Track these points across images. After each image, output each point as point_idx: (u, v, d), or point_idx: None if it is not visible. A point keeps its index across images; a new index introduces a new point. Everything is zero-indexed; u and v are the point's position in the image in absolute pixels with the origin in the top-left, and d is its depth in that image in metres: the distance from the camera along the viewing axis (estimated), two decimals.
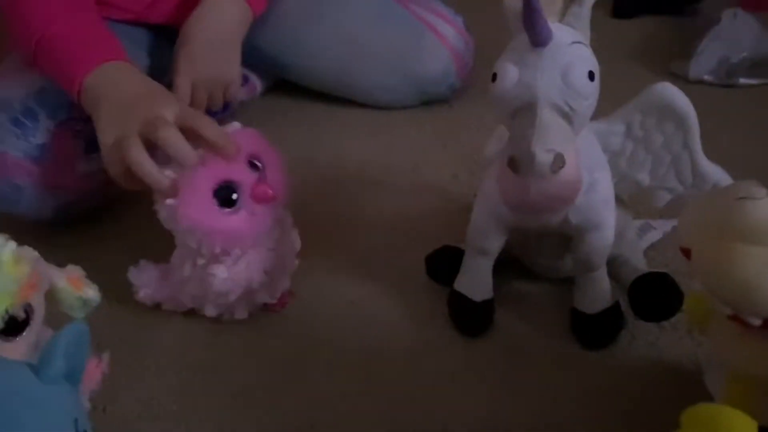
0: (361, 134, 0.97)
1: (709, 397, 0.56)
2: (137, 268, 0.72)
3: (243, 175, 0.63)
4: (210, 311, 0.69)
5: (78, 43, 0.74)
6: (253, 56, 0.97)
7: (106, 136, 0.67)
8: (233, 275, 0.65)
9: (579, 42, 0.55)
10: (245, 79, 1.02)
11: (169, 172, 0.63)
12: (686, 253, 0.49)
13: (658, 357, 0.65)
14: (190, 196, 0.62)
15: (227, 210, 0.63)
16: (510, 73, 0.54)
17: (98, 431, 0.61)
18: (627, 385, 0.63)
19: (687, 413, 0.42)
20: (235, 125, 0.68)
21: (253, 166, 0.65)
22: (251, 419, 0.62)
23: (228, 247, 0.64)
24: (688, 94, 0.62)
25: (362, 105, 1.01)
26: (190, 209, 0.62)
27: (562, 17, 0.56)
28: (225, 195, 0.63)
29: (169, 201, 0.63)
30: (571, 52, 0.54)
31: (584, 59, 0.54)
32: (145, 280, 0.71)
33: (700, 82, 1.02)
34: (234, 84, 0.91)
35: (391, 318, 0.71)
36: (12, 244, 0.51)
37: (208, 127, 0.63)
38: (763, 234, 0.44)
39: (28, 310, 0.52)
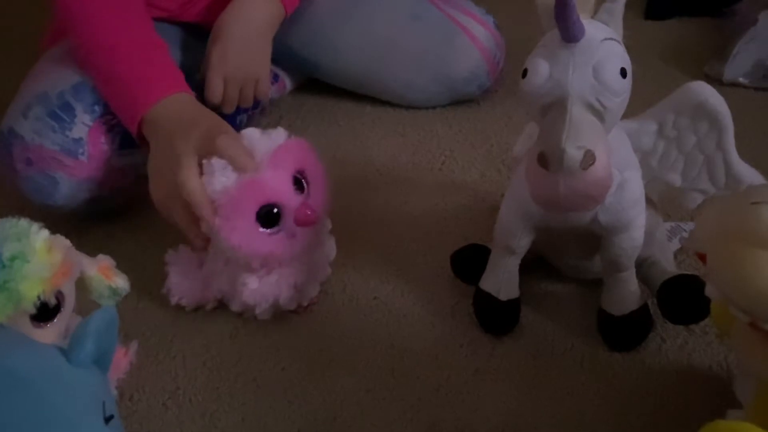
0: (390, 133, 0.97)
1: (737, 405, 0.55)
2: (175, 252, 0.72)
3: (288, 198, 0.63)
4: (235, 306, 0.70)
5: (136, 79, 0.75)
6: (283, 54, 0.97)
7: (155, 161, 0.71)
8: (263, 287, 0.65)
9: (612, 39, 0.54)
10: (275, 77, 1.03)
11: (223, 182, 0.63)
12: (702, 258, 0.48)
13: (686, 361, 0.64)
14: (233, 218, 0.62)
15: (268, 231, 0.63)
16: (541, 68, 0.53)
17: (124, 419, 0.62)
18: (654, 388, 0.62)
19: (705, 429, 0.41)
20: (281, 133, 0.67)
21: (297, 182, 0.65)
22: (275, 411, 0.62)
23: (268, 265, 0.65)
24: (722, 96, 0.61)
25: (391, 103, 1.01)
26: (232, 233, 0.62)
27: (594, 13, 0.56)
28: (268, 216, 0.63)
29: (210, 223, 0.63)
30: (603, 49, 0.53)
31: (617, 56, 0.54)
32: (176, 270, 0.71)
33: (735, 84, 1.00)
34: (264, 81, 0.91)
35: (416, 315, 0.71)
36: (45, 232, 0.53)
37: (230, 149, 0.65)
38: None
39: (60, 297, 0.53)
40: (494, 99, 1.01)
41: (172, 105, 0.74)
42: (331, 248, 0.72)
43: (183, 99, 0.75)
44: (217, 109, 0.91)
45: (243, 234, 0.62)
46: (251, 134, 0.66)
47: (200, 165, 0.66)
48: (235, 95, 0.90)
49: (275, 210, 0.63)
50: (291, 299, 0.68)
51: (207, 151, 0.66)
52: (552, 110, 0.53)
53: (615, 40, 0.55)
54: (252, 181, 0.63)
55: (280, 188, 0.63)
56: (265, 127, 0.99)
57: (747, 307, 0.44)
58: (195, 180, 0.65)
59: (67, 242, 0.55)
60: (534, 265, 0.71)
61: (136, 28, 0.78)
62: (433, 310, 0.71)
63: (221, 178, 0.63)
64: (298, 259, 0.66)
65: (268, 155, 0.64)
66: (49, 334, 0.52)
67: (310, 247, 0.67)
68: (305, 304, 0.70)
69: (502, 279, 0.66)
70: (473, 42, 0.98)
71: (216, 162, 0.64)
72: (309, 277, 0.69)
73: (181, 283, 0.71)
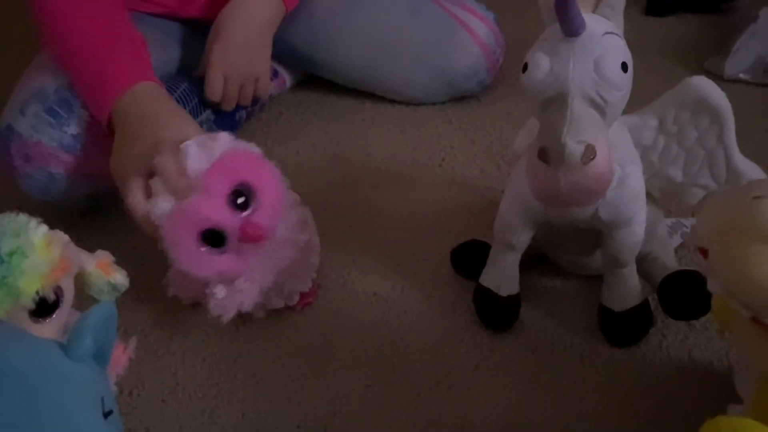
0: (390, 129, 0.97)
1: (738, 400, 0.55)
2: None
3: (225, 219, 0.60)
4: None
5: (100, 72, 0.73)
6: (283, 51, 0.97)
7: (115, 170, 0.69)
8: (231, 296, 0.63)
9: (613, 33, 0.54)
10: (275, 73, 1.02)
11: (163, 208, 0.61)
12: (704, 253, 0.47)
13: (687, 356, 0.64)
14: (176, 243, 0.61)
15: (216, 250, 0.61)
16: (542, 63, 0.53)
17: (124, 415, 0.62)
18: (655, 384, 0.62)
19: (707, 425, 0.41)
20: (223, 141, 0.63)
21: (239, 195, 0.61)
22: (274, 407, 0.62)
23: (222, 281, 0.63)
24: (723, 92, 0.60)
25: (391, 100, 1.01)
26: (178, 257, 0.61)
27: (595, 7, 0.55)
28: (212, 238, 0.60)
29: (161, 245, 0.61)
30: (604, 43, 0.53)
31: (618, 50, 0.54)
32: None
33: (736, 80, 1.00)
34: (264, 79, 0.91)
35: (416, 311, 0.70)
36: (44, 228, 0.52)
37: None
38: None
39: (58, 292, 0.53)
40: (494, 95, 1.01)
41: (135, 99, 0.71)
42: (314, 242, 0.69)
43: (145, 91, 0.72)
44: (216, 106, 0.91)
45: (189, 258, 0.61)
46: (188, 149, 0.62)
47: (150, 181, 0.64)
48: (234, 93, 0.90)
49: (218, 231, 0.60)
50: (277, 296, 0.67)
51: (150, 169, 0.63)
52: (553, 105, 0.53)
53: (616, 34, 0.54)
54: (184, 208, 0.60)
55: (214, 212, 0.60)
56: (264, 123, 1.00)
57: (749, 302, 0.44)
58: (140, 206, 0.63)
59: (66, 238, 0.55)
60: (534, 261, 0.71)
61: (109, 23, 0.77)
62: (433, 306, 0.71)
63: (162, 204, 0.61)
64: (262, 264, 0.64)
65: (203, 174, 0.61)
66: (48, 329, 0.52)
67: (275, 252, 0.64)
68: (296, 299, 0.69)
69: (502, 275, 0.66)
70: (473, 38, 0.97)
71: (159, 184, 0.62)
72: (286, 279, 0.67)
73: (181, 278, 0.70)
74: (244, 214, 0.60)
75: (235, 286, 0.63)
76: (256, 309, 0.68)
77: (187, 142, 0.62)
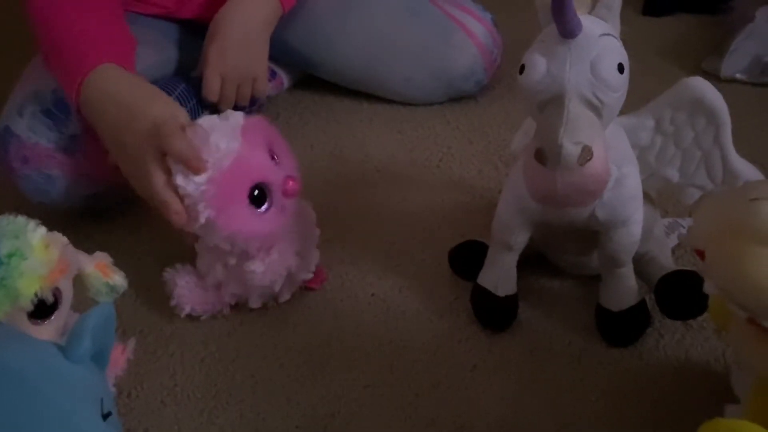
0: (387, 129, 0.97)
1: (735, 400, 0.55)
2: (174, 271, 0.71)
3: (272, 173, 0.63)
4: (254, 303, 0.70)
5: (72, 48, 0.73)
6: (280, 51, 0.97)
7: (118, 160, 0.69)
8: (270, 266, 0.65)
9: (609, 34, 0.54)
10: (272, 74, 1.02)
11: (201, 178, 0.62)
12: (700, 255, 0.48)
13: (684, 356, 0.64)
14: (227, 206, 0.62)
15: (260, 210, 0.63)
16: (538, 64, 0.53)
17: (122, 416, 0.63)
18: (652, 383, 0.62)
19: (705, 427, 0.41)
20: (237, 114, 0.65)
21: (272, 157, 0.65)
22: (272, 408, 0.62)
23: (265, 246, 0.65)
24: (720, 92, 0.61)
25: (388, 100, 1.01)
26: (229, 221, 0.62)
27: (592, 9, 0.56)
28: (259, 196, 0.63)
29: (204, 215, 0.62)
30: (600, 44, 0.53)
31: (614, 51, 0.54)
32: (182, 284, 0.70)
33: (733, 80, 1.00)
34: (262, 80, 0.91)
35: (414, 311, 0.71)
36: (42, 229, 0.52)
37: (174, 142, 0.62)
38: None
39: (57, 294, 0.53)
40: (492, 96, 1.01)
41: (104, 80, 0.70)
42: (310, 210, 0.72)
43: (112, 73, 0.71)
44: (214, 107, 0.91)
45: (240, 219, 0.62)
46: (209, 122, 0.64)
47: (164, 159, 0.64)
48: (232, 94, 0.89)
49: (264, 188, 0.63)
50: (300, 268, 0.68)
51: (159, 147, 0.64)
52: (549, 106, 0.53)
53: (612, 35, 0.55)
54: (237, 164, 0.61)
55: (263, 165, 0.63)
56: None
57: (745, 304, 0.44)
58: (165, 188, 0.63)
59: (65, 239, 0.55)
60: (532, 261, 0.71)
61: (97, 24, 0.76)
62: (431, 307, 0.71)
63: (192, 183, 0.62)
64: (291, 230, 0.67)
65: (238, 135, 0.62)
66: (47, 331, 0.52)
67: (298, 216, 0.68)
68: (313, 269, 0.70)
69: (499, 275, 0.66)
70: (470, 38, 0.98)
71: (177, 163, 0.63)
72: (306, 244, 0.69)
73: (189, 295, 0.70)
74: (281, 168, 0.64)
75: (271, 255, 0.65)
76: (282, 292, 0.69)
77: (206, 116, 0.65)
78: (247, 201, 0.62)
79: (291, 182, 0.63)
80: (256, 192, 0.63)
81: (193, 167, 0.62)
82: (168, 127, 0.64)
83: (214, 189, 0.62)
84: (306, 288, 0.72)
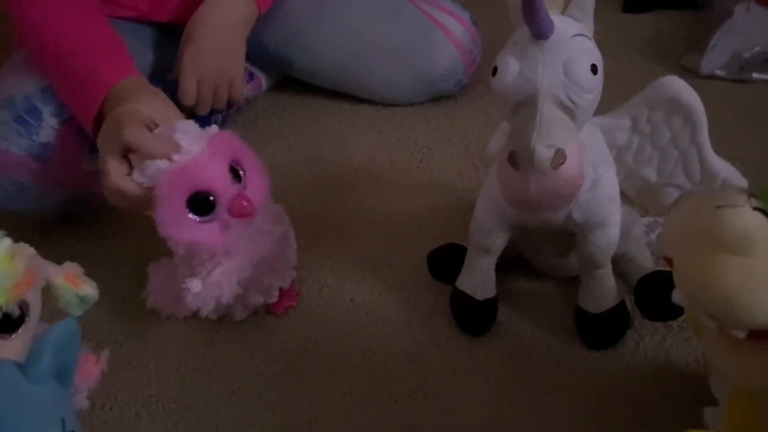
0: (367, 130, 0.96)
1: (714, 402, 0.55)
2: (158, 264, 0.71)
3: (223, 186, 0.60)
4: (210, 314, 0.68)
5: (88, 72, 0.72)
6: (258, 52, 0.96)
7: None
8: (208, 289, 0.62)
9: (582, 35, 0.54)
10: (250, 76, 1.01)
11: (159, 165, 0.60)
12: (669, 262, 0.47)
13: (664, 357, 0.64)
14: (165, 203, 0.60)
15: (198, 218, 0.60)
16: (511, 66, 0.53)
17: (96, 428, 0.61)
18: (632, 385, 0.61)
19: None
20: (213, 128, 0.64)
21: (234, 172, 0.62)
22: (249, 418, 0.62)
23: (198, 254, 0.63)
24: (699, 89, 0.60)
25: (368, 101, 1.00)
26: (164, 217, 0.60)
27: (564, 9, 0.55)
28: (200, 203, 0.60)
29: (146, 212, 0.62)
30: (573, 45, 0.52)
31: (587, 52, 0.53)
32: (158, 279, 0.70)
33: (713, 77, 1.00)
34: (239, 82, 0.90)
35: (393, 316, 0.70)
36: (7, 241, 0.51)
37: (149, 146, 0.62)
38: (744, 244, 0.41)
39: (24, 307, 0.52)
40: (472, 95, 1.00)
41: (123, 90, 0.70)
42: (290, 237, 0.69)
43: (132, 83, 0.72)
44: (191, 110, 0.90)
45: (173, 220, 0.60)
46: (183, 125, 0.63)
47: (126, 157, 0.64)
48: (209, 97, 0.88)
49: (210, 198, 0.60)
50: (257, 292, 0.66)
51: (124, 146, 0.63)
52: (523, 109, 0.53)
53: (585, 36, 0.54)
54: (184, 166, 0.60)
55: (215, 175, 0.60)
56: (240, 126, 0.99)
57: (713, 313, 0.44)
58: (122, 179, 0.63)
59: (32, 250, 0.53)
60: (511, 264, 0.70)
61: (92, 26, 0.76)
62: (410, 311, 0.70)
63: (159, 163, 0.61)
64: (241, 254, 0.64)
65: (203, 141, 0.61)
66: (14, 345, 0.51)
67: (252, 242, 0.64)
68: (275, 295, 0.68)
69: (478, 278, 0.66)
70: (449, 38, 0.97)
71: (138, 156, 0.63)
72: (264, 273, 0.66)
73: (159, 291, 0.70)
74: (238, 187, 0.62)
75: (212, 278, 0.62)
76: (237, 308, 0.67)
77: (177, 122, 0.64)
78: (183, 204, 0.60)
79: (242, 202, 0.60)
80: (198, 198, 0.60)
81: (146, 153, 0.61)
82: (126, 117, 0.64)
83: (163, 180, 0.60)
84: (268, 311, 0.70)
